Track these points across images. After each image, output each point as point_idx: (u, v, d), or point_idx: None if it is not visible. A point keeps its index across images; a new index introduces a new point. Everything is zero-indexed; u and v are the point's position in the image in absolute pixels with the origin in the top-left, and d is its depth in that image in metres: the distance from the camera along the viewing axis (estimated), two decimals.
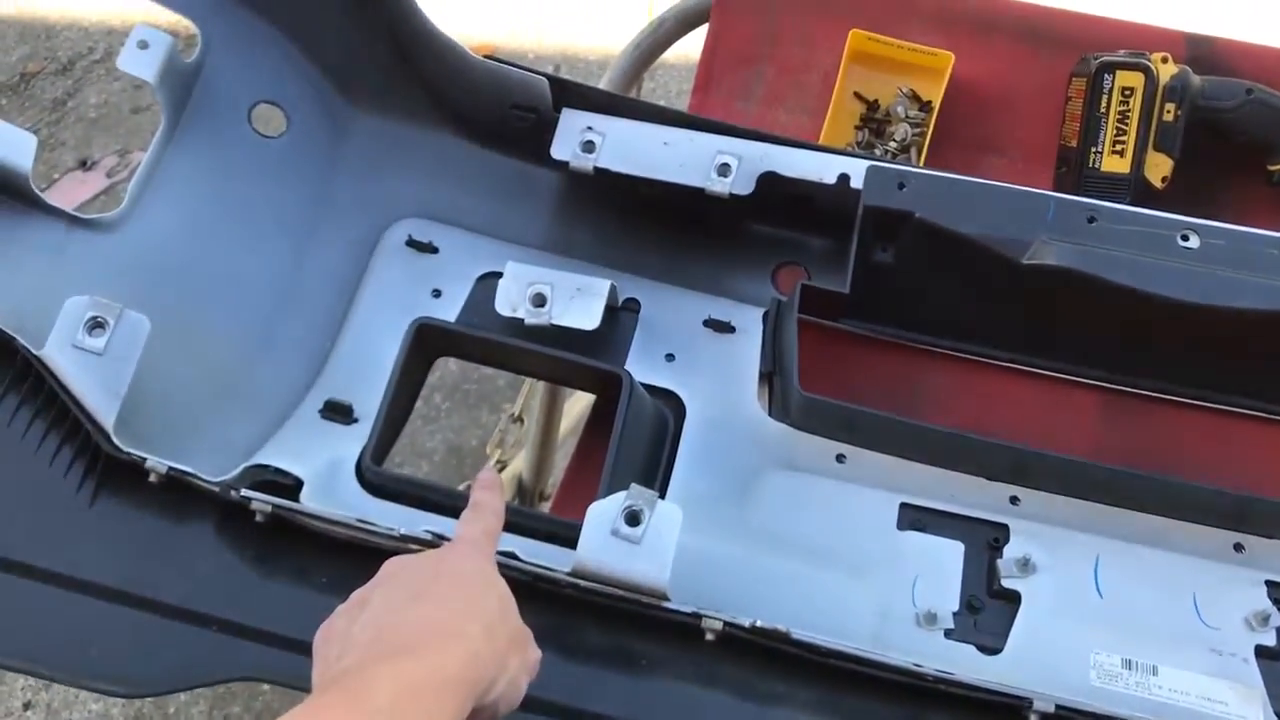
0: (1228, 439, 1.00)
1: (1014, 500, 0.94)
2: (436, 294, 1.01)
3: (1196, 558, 0.91)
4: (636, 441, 0.91)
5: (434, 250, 1.02)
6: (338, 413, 0.93)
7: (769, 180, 0.98)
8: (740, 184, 0.97)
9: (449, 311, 0.99)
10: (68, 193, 2.23)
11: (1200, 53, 1.03)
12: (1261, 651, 0.85)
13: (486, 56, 0.97)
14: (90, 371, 0.81)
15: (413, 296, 1.00)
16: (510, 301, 0.94)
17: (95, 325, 0.82)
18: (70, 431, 0.83)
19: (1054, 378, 1.02)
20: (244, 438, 0.90)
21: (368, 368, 0.95)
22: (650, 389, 0.97)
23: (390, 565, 0.66)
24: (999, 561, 0.89)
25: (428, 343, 0.93)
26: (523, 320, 0.94)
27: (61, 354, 0.81)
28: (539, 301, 0.94)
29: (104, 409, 0.81)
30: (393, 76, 1.03)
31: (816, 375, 0.95)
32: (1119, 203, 0.95)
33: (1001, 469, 0.94)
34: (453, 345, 0.95)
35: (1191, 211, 0.93)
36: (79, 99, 2.39)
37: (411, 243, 1.03)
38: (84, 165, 2.28)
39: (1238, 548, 0.91)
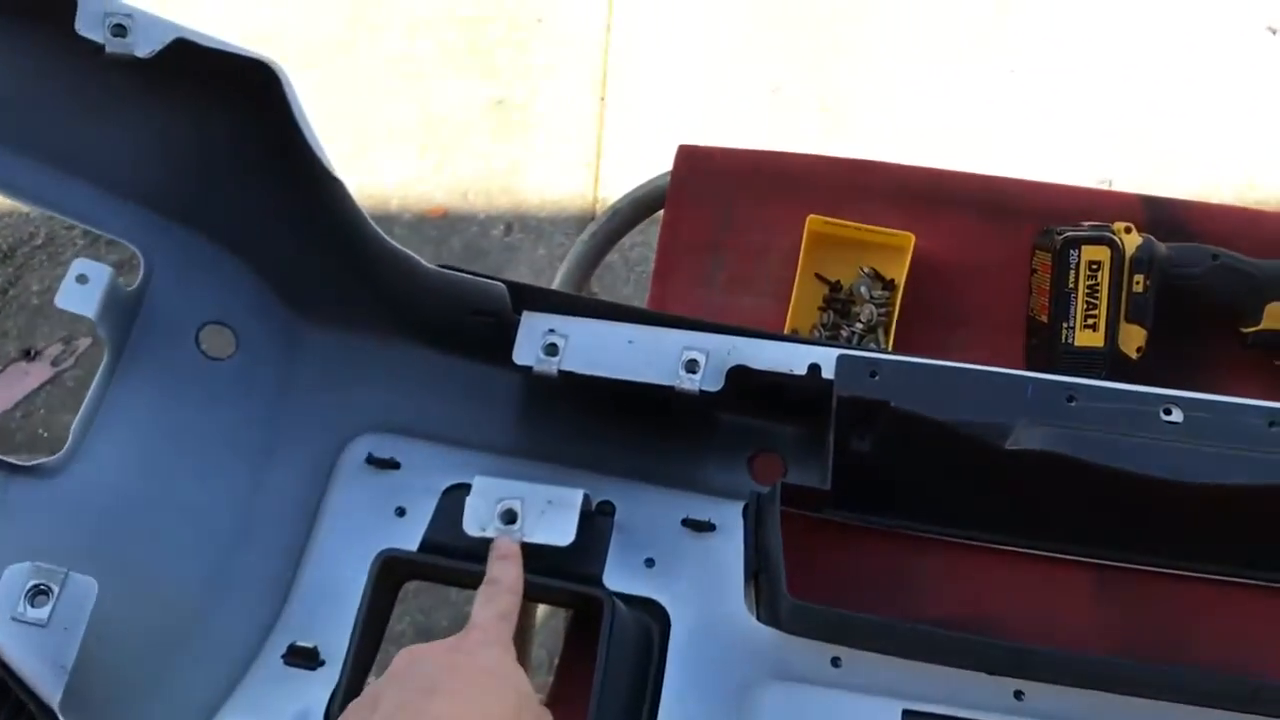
0: (1228, 610, 0.98)
1: (1019, 695, 0.90)
2: (400, 513, 0.96)
3: None
4: (621, 666, 0.86)
5: (395, 466, 0.98)
6: (302, 658, 0.88)
7: (739, 373, 0.95)
8: (709, 380, 0.94)
9: (415, 530, 0.94)
10: (12, 385, 2.17)
11: (1159, 215, 1.03)
12: None
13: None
14: (33, 646, 0.76)
15: (376, 518, 0.96)
16: (479, 520, 0.90)
17: (38, 593, 0.76)
18: (13, 712, 0.77)
19: (1048, 558, 0.99)
20: (204, 694, 0.84)
21: (332, 603, 0.90)
22: (631, 599, 0.92)
23: (402, 658, 0.63)
24: None
25: (395, 574, 0.89)
26: (490, 540, 0.90)
27: (1, 629, 0.76)
28: (509, 518, 0.89)
29: (49, 685, 0.75)
30: (345, 289, 1.00)
31: (803, 569, 0.92)
32: (1095, 378, 0.93)
33: (1002, 664, 0.90)
34: (421, 574, 0.91)
35: (1169, 380, 0.92)
36: (20, 286, 2.35)
37: (372, 460, 0.98)
38: (28, 355, 2.23)
39: None
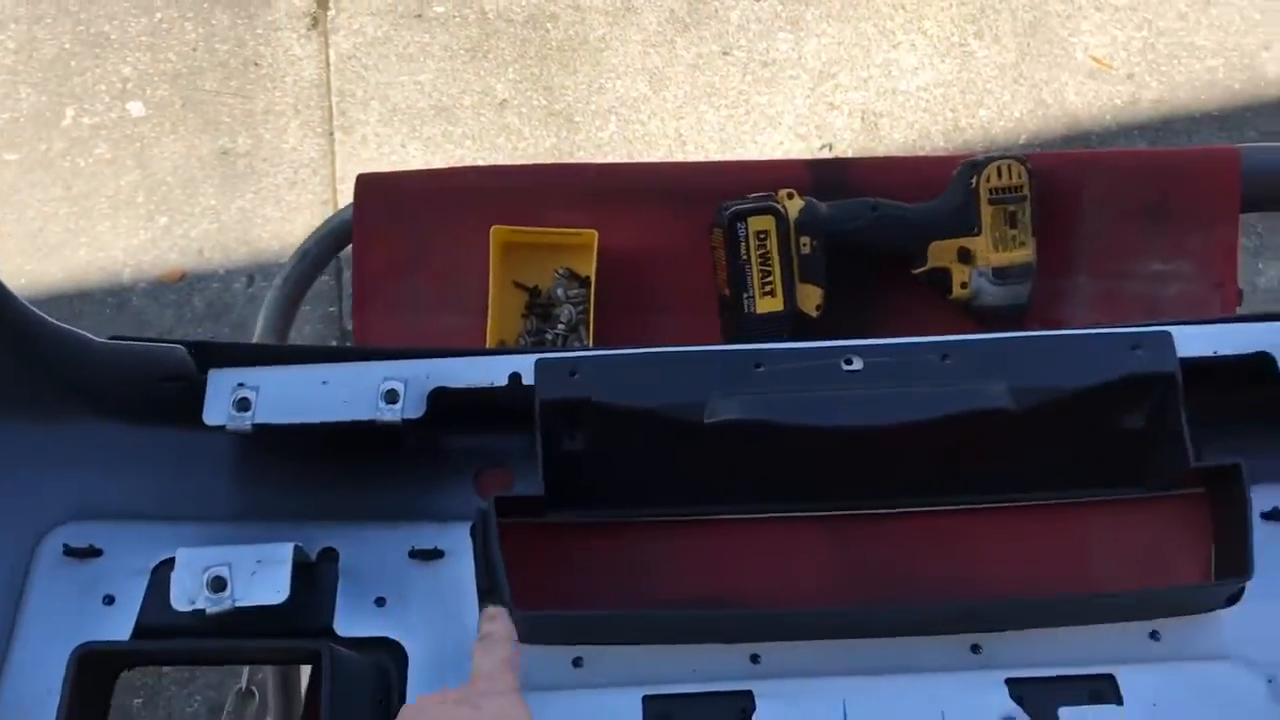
0: (950, 537, 1.02)
1: (754, 659, 0.92)
2: (109, 600, 0.92)
3: (940, 672, 0.91)
4: (352, 712, 0.84)
5: (97, 553, 0.93)
6: None
7: (441, 395, 0.94)
8: (411, 408, 0.93)
9: (126, 618, 0.90)
10: None
11: (824, 176, 1.07)
12: None
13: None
14: None
15: (82, 613, 0.91)
16: (187, 593, 0.87)
17: None
18: None
19: (778, 519, 1.01)
20: None
21: (38, 713, 0.85)
22: (364, 642, 0.91)
23: (408, 712, 0.64)
24: None
25: (100, 668, 0.84)
26: (204, 610, 0.86)
27: None
28: (218, 586, 0.86)
29: None
30: (11, 378, 0.95)
31: (537, 578, 0.92)
32: (780, 341, 0.96)
33: (740, 632, 0.92)
34: (132, 661, 0.87)
35: (856, 330, 0.96)
36: None
37: (70, 551, 0.93)
38: None
39: (975, 649, 0.92)
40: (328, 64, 2.59)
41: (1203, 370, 0.94)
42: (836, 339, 0.95)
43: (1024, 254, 1.01)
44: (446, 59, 2.59)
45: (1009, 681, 0.89)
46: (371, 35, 2.61)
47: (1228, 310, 1.05)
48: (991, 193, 1.01)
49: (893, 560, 1.01)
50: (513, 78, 2.54)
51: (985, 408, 0.94)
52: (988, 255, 1.01)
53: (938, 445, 0.98)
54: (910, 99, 2.45)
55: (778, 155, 2.37)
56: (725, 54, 2.54)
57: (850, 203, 1.02)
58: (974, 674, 0.90)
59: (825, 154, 2.37)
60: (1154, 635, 0.93)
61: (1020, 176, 1.00)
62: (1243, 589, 0.88)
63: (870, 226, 1.01)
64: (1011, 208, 1.00)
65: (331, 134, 2.51)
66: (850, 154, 2.37)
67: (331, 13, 2.63)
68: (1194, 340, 0.96)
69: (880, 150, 2.36)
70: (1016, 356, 0.96)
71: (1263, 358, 0.95)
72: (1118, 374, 0.95)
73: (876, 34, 2.55)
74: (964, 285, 1.03)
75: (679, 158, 2.37)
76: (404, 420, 0.93)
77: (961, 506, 1.01)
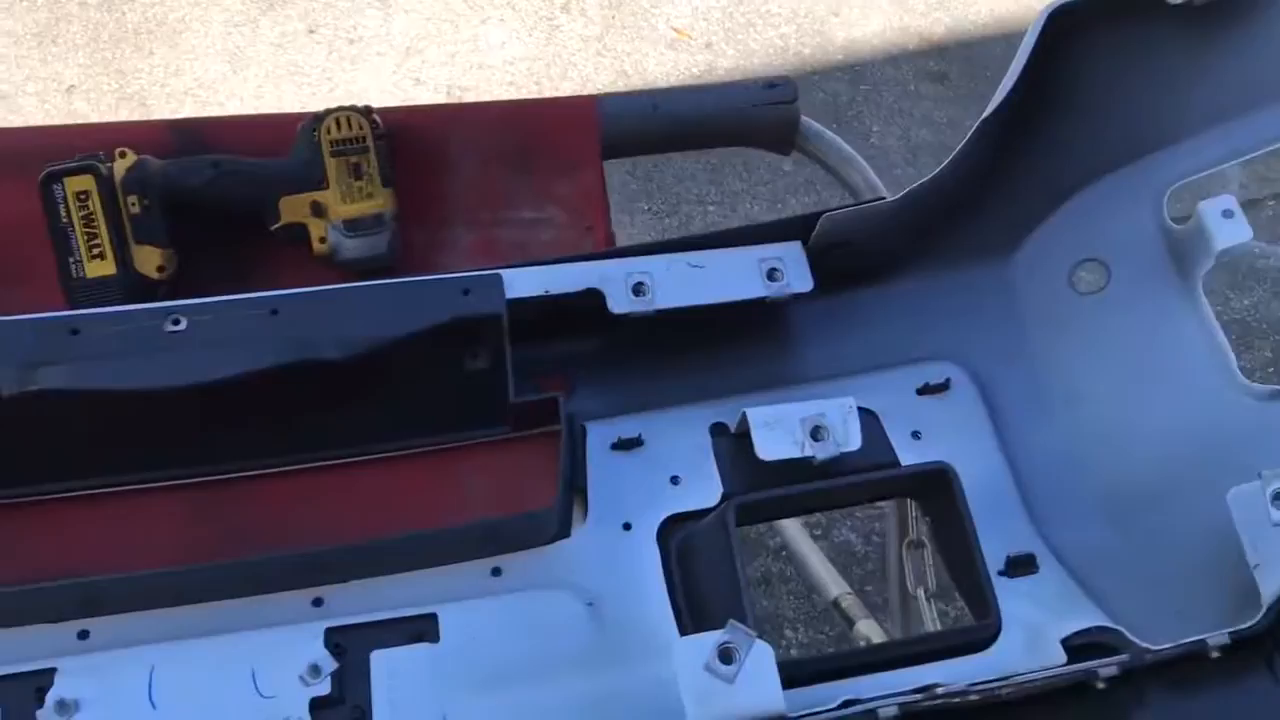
0: (315, 494, 1.00)
1: (83, 635, 0.88)
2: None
3: (272, 628, 0.90)
4: None
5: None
6: None
7: None
8: None
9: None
10: None
11: (186, 140, 1.04)
12: (316, 704, 0.84)
13: None
14: None
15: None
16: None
17: None
18: None
19: (132, 491, 0.97)
20: None
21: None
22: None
23: None
24: (39, 712, 0.82)
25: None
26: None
27: None
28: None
29: None
30: None
31: None
32: (113, 305, 0.92)
33: (72, 608, 0.88)
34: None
35: (217, 288, 0.93)
36: None
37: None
38: None
39: (317, 603, 0.91)
40: None
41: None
42: (168, 302, 0.92)
43: (373, 205, 1.01)
44: (11, 45, 2.43)
45: (327, 631, 0.89)
46: None
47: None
48: (333, 145, 1.00)
49: (257, 524, 0.98)
50: (83, 62, 2.41)
51: (314, 358, 0.93)
52: (338, 208, 1.01)
53: (288, 402, 0.96)
54: (497, 73, 2.46)
55: None
56: (311, 32, 2.48)
57: (189, 160, 0.99)
58: (293, 628, 0.89)
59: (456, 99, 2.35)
60: (496, 572, 0.95)
61: (361, 128, 1.00)
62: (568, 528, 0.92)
63: (212, 184, 0.98)
64: (354, 159, 1.00)
65: None
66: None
67: None
68: (527, 281, 0.98)
69: None
70: (348, 307, 0.95)
71: (593, 293, 0.98)
72: (448, 316, 0.95)
73: (466, 8, 2.55)
74: (322, 240, 1.02)
75: None
76: None
77: (324, 463, 1.00)
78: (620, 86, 2.45)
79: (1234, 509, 0.82)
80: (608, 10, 2.58)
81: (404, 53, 2.47)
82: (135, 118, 2.32)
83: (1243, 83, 1.01)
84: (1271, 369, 2.15)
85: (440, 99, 2.41)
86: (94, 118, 2.33)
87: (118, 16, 2.47)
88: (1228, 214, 0.95)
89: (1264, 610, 0.80)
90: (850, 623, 1.33)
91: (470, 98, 2.42)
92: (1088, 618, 0.89)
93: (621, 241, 1.08)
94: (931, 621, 1.20)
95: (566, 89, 2.45)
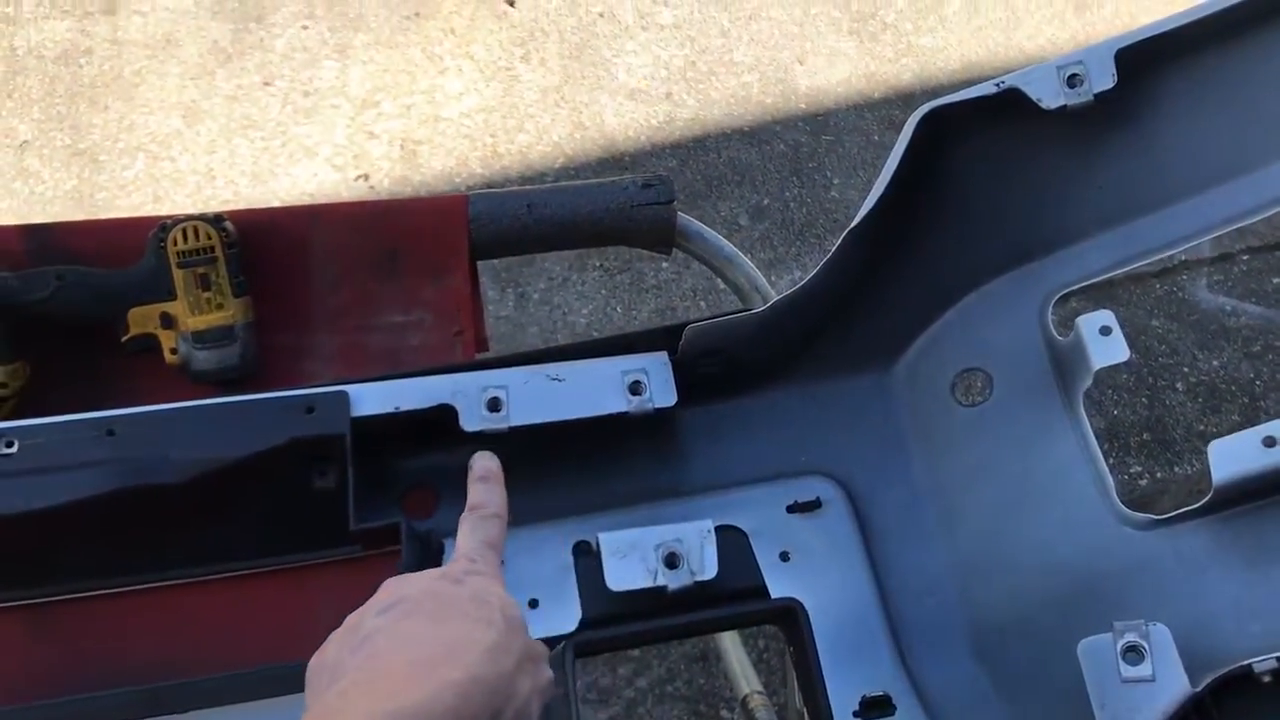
0: (156, 614, 0.97)
1: None
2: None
3: None
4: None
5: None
6: None
7: None
8: None
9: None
10: None
11: (38, 245, 1.01)
12: None
13: None
14: None
15: None
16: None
17: None
18: None
19: None
20: None
21: None
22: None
23: (388, 587, 0.61)
24: None
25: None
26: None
27: None
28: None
29: None
30: None
31: None
32: None
33: None
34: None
35: (75, 404, 0.90)
36: None
37: None
38: None
39: None
40: None
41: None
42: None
43: (223, 316, 0.97)
44: None
45: None
46: None
47: (468, 357, 1.04)
48: (180, 256, 0.96)
49: (99, 645, 0.95)
50: (38, 117, 2.40)
51: (151, 483, 0.90)
52: (187, 320, 0.97)
53: (129, 523, 0.93)
54: (452, 125, 2.43)
55: (310, 187, 2.31)
56: (267, 85, 2.46)
57: (35, 272, 0.96)
58: None
59: (361, 185, 2.32)
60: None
61: (209, 237, 0.97)
62: None
63: (56, 295, 0.95)
64: (202, 270, 0.97)
65: None
66: (387, 184, 2.33)
67: None
68: (376, 397, 0.94)
69: (416, 179, 2.33)
70: (187, 427, 0.92)
71: (446, 409, 0.95)
72: (289, 437, 0.92)
73: (424, 59, 2.52)
74: (174, 351, 0.98)
75: (207, 194, 2.29)
76: None
77: (170, 582, 0.97)
78: (577, 138, 2.42)
79: (1084, 662, 0.77)
80: (568, 60, 2.55)
81: (359, 105, 2.45)
82: (86, 175, 2.30)
83: (1125, 189, 0.96)
84: None
85: (394, 152, 2.38)
86: (45, 175, 2.32)
87: (74, 70, 2.46)
88: (1105, 330, 0.90)
89: None
90: None
91: (425, 150, 2.39)
92: None
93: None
94: None
95: (522, 141, 2.42)
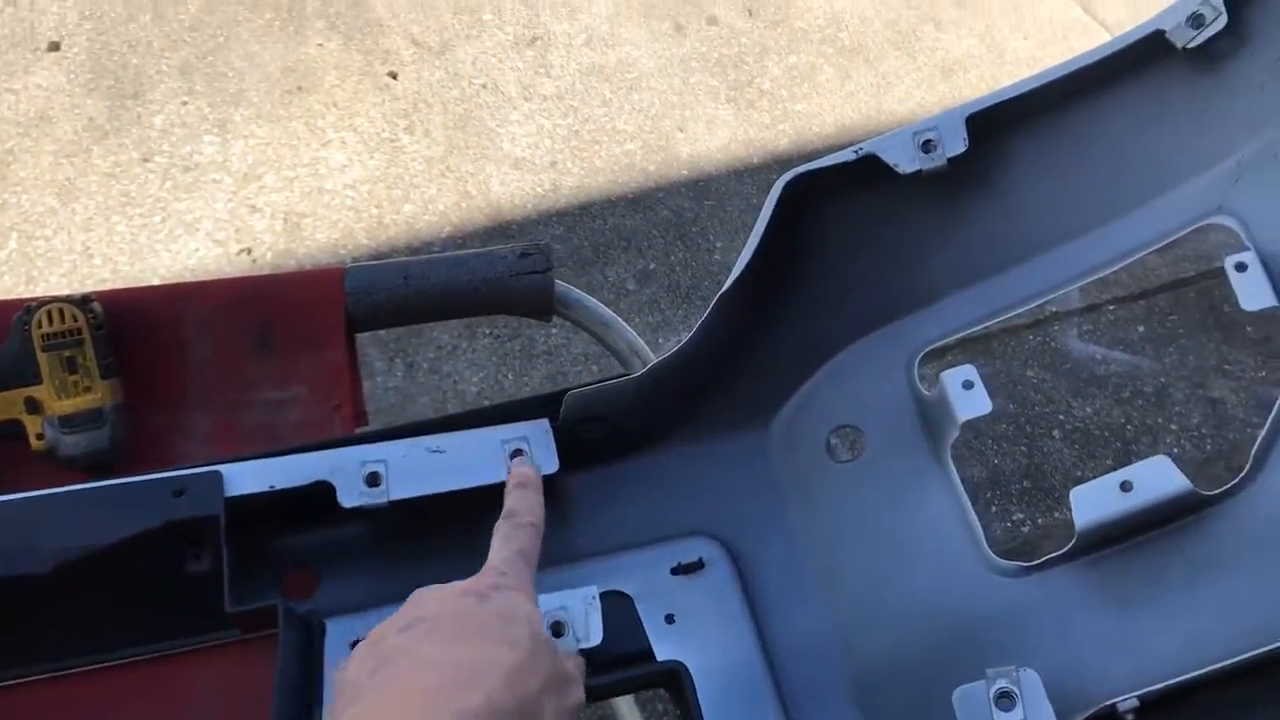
0: (24, 710, 0.94)
1: None
2: None
3: None
4: None
5: None
6: None
7: None
8: None
9: None
10: None
11: None
12: None
13: None
14: None
15: None
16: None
17: None
18: None
19: None
20: None
21: None
22: None
23: (413, 601, 0.59)
24: None
25: None
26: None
27: None
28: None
29: None
30: None
31: None
32: None
33: None
34: None
35: None
36: None
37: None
38: None
39: None
40: None
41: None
42: None
43: (91, 399, 0.96)
44: None
45: None
46: None
47: (347, 431, 1.04)
48: (44, 339, 0.95)
49: None
50: None
51: (12, 574, 0.87)
52: (53, 404, 0.95)
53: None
54: (336, 197, 2.42)
55: (192, 263, 2.27)
56: (145, 161, 2.43)
57: None
58: None
59: (244, 259, 2.30)
60: None
61: (75, 319, 0.95)
62: None
63: None
64: (68, 353, 0.95)
65: None
66: (270, 257, 2.30)
67: None
68: (251, 476, 0.93)
69: (301, 252, 2.31)
70: (51, 515, 0.90)
71: (324, 485, 0.93)
72: (160, 521, 0.90)
73: (306, 132, 2.51)
74: (40, 437, 0.96)
75: (84, 273, 2.23)
76: None
77: (39, 676, 0.94)
78: (463, 208, 2.43)
79: (958, 710, 0.79)
80: (452, 130, 2.56)
81: (241, 179, 2.42)
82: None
83: (987, 245, 1.01)
84: None
85: (278, 226, 2.36)
86: None
87: None
88: (968, 385, 0.94)
89: None
90: None
91: (309, 223, 2.37)
92: None
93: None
94: None
95: (408, 211, 2.42)
